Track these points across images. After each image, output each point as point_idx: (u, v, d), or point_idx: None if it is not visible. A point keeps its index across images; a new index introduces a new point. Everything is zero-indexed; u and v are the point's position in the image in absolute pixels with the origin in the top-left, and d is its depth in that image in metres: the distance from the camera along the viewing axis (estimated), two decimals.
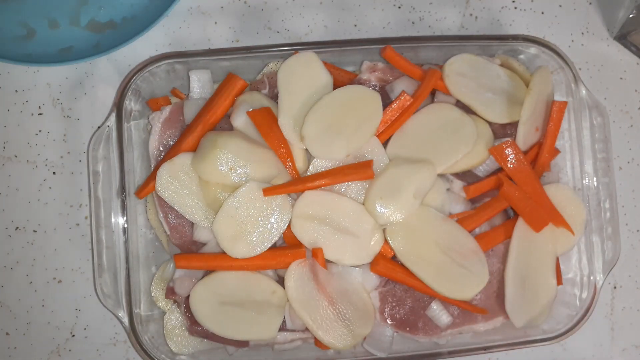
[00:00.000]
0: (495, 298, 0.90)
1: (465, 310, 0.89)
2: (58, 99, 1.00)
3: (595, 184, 0.92)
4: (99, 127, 0.90)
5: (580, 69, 1.03)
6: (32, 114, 1.00)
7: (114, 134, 0.88)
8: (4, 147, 0.99)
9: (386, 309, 0.89)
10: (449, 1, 1.03)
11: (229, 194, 0.85)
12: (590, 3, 1.05)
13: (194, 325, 0.88)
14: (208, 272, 0.88)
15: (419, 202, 0.86)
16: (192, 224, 0.90)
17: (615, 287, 1.03)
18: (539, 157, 0.91)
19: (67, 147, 1.00)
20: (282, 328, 0.88)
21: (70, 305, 0.99)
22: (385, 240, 0.87)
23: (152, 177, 0.88)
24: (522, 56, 0.95)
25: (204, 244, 0.90)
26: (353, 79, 0.92)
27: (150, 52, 1.00)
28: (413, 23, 1.03)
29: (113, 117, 0.89)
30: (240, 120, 0.88)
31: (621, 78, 1.05)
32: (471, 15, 1.03)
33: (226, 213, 0.84)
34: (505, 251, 0.89)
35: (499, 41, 0.95)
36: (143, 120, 0.94)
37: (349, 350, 0.88)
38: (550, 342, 0.90)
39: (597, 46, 1.04)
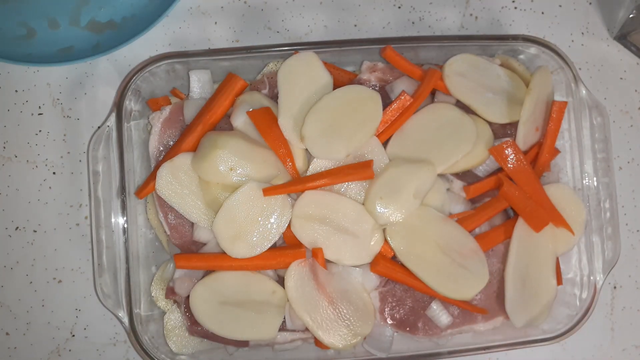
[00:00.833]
0: (495, 298, 0.90)
1: (465, 310, 0.89)
2: (58, 99, 1.00)
3: (595, 184, 0.92)
4: (99, 127, 0.90)
5: (580, 69, 1.03)
6: (32, 114, 1.00)
7: (114, 134, 0.88)
8: (4, 147, 0.99)
9: (386, 309, 0.89)
10: (449, 1, 1.03)
11: (229, 194, 0.85)
12: (590, 3, 1.05)
13: (194, 325, 0.88)
14: (208, 272, 0.88)
15: (419, 202, 0.86)
16: (192, 224, 0.90)
17: (615, 287, 1.03)
18: (539, 157, 0.91)
19: (67, 147, 1.00)
20: (282, 328, 0.88)
21: (70, 305, 0.99)
22: (385, 240, 0.87)
23: (152, 177, 0.88)
24: (522, 56, 0.95)
25: (204, 244, 0.90)
26: (353, 79, 0.92)
27: (150, 52, 1.00)
28: (413, 23, 1.03)
29: (113, 117, 0.89)
30: (240, 120, 0.88)
31: (621, 78, 1.05)
32: (471, 15, 1.03)
33: (226, 213, 0.84)
34: (505, 251, 0.89)
35: (499, 41, 0.95)
36: (143, 120, 0.94)
37: (349, 350, 0.88)
38: (550, 342, 0.90)
39: (597, 46, 1.04)
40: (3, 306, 0.99)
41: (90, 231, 0.92)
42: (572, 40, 1.04)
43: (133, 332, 0.87)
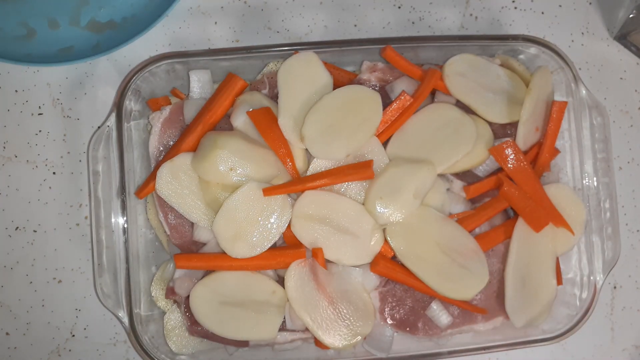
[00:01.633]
0: (495, 298, 0.90)
1: (465, 310, 0.89)
2: (58, 99, 1.00)
3: (595, 184, 0.92)
4: (99, 127, 0.90)
5: (580, 69, 1.03)
6: (32, 114, 1.00)
7: (114, 134, 0.88)
8: (4, 147, 0.99)
9: (386, 309, 0.89)
10: (449, 1, 1.03)
11: (229, 194, 0.85)
12: (590, 3, 1.05)
13: (194, 325, 0.88)
14: (208, 272, 0.88)
15: (419, 202, 0.86)
16: (192, 224, 0.90)
17: (615, 287, 1.03)
18: (539, 157, 0.91)
19: (67, 147, 1.00)
20: (282, 328, 0.88)
21: (70, 305, 0.99)
22: (385, 240, 0.87)
23: (152, 177, 0.88)
24: (522, 56, 0.95)
25: (204, 244, 0.90)
26: (353, 79, 0.92)
27: (150, 52, 1.00)
28: (413, 23, 1.03)
29: (113, 117, 0.89)
30: (240, 120, 0.88)
31: (621, 78, 1.05)
32: (471, 15, 1.03)
33: (226, 213, 0.84)
34: (505, 251, 0.89)
35: (499, 41, 0.95)
36: (143, 120, 0.94)
37: (349, 350, 0.88)
38: (550, 342, 0.90)
39: (597, 46, 1.04)
40: (3, 306, 0.99)
41: (90, 231, 0.92)
42: (572, 40, 1.04)
43: (133, 332, 0.87)
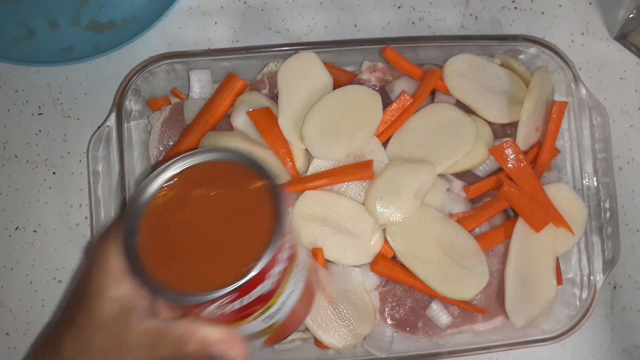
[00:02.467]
0: (495, 298, 0.90)
1: (465, 310, 0.89)
2: (58, 99, 1.00)
3: (595, 184, 0.92)
4: (99, 127, 0.90)
5: (580, 69, 1.03)
6: (32, 114, 1.00)
7: (114, 134, 0.88)
8: (4, 147, 0.99)
9: (386, 309, 0.89)
10: (449, 1, 1.03)
11: None
12: (590, 3, 1.05)
13: None
14: None
15: (419, 202, 0.86)
16: None
17: (615, 287, 1.03)
18: (539, 157, 0.91)
19: (67, 147, 1.00)
20: None
21: None
22: (385, 240, 0.87)
23: None
24: (522, 56, 0.95)
25: None
26: (353, 79, 0.92)
27: (150, 52, 1.00)
28: (413, 23, 1.03)
29: (113, 117, 0.89)
30: (240, 120, 0.88)
31: (621, 78, 1.04)
32: (471, 15, 1.03)
33: None
34: (505, 251, 0.89)
35: (499, 41, 0.95)
36: (143, 120, 0.94)
37: (349, 350, 0.88)
38: (550, 342, 0.89)
39: (597, 46, 1.04)
40: (3, 306, 0.99)
41: (90, 231, 0.92)
42: (572, 40, 1.04)
43: None
